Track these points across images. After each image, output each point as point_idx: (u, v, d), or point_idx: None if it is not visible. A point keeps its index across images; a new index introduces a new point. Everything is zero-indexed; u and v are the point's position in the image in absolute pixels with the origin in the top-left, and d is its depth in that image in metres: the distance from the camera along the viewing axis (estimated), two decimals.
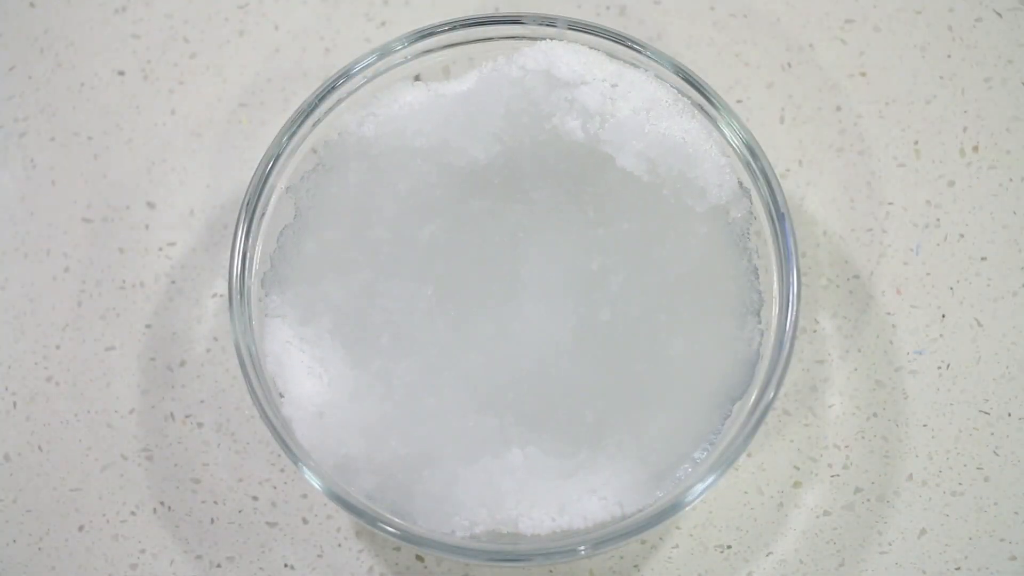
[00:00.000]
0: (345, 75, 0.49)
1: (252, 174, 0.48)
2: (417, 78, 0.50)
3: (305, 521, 0.52)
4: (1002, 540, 0.51)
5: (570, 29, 0.48)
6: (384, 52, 0.48)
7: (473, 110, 0.47)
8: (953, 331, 0.54)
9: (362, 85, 0.49)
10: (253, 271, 0.48)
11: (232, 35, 0.58)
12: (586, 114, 0.46)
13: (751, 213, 0.47)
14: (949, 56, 0.57)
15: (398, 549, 0.51)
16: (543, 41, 0.47)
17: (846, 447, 0.52)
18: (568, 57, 0.46)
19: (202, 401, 0.53)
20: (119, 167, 0.56)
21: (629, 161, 0.46)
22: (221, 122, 0.56)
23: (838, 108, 0.57)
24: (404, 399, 0.46)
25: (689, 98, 0.48)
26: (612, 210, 0.47)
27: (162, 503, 0.52)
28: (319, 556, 0.51)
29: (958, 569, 0.51)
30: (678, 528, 0.52)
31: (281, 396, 0.46)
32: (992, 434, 0.53)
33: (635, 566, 0.51)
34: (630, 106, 0.46)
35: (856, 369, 0.53)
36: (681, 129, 0.46)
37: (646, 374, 0.46)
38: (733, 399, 0.46)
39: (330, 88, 0.48)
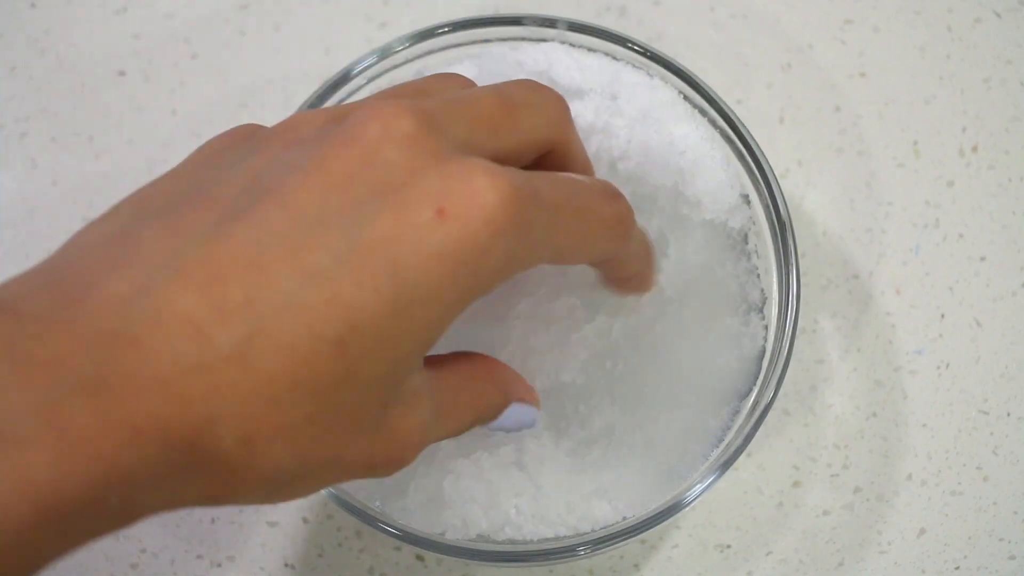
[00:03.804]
0: (345, 75, 0.49)
1: None
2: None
3: (305, 521, 0.52)
4: (1001, 539, 0.51)
5: (570, 30, 0.48)
6: (384, 53, 0.48)
7: None
8: (952, 331, 0.54)
9: (363, 86, 0.49)
10: None
11: (233, 36, 0.58)
12: (580, 133, 0.46)
13: (750, 219, 0.47)
14: (948, 56, 0.57)
15: (398, 549, 0.51)
16: (544, 43, 0.47)
17: (846, 447, 0.52)
18: (568, 62, 0.46)
19: None
20: (120, 167, 0.56)
21: (622, 179, 0.46)
22: (222, 122, 0.56)
23: (838, 108, 0.57)
24: None
25: (689, 100, 0.48)
26: None
27: None
28: (319, 556, 0.52)
29: (957, 568, 0.51)
30: (678, 528, 0.52)
31: None
32: (991, 434, 0.53)
33: (635, 566, 0.51)
34: (625, 121, 0.46)
35: (856, 369, 0.53)
36: (680, 136, 0.46)
37: (653, 377, 0.46)
38: (741, 395, 0.46)
39: (330, 88, 0.48)
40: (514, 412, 0.40)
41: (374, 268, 0.30)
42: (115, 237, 0.31)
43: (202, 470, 0.29)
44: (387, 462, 0.34)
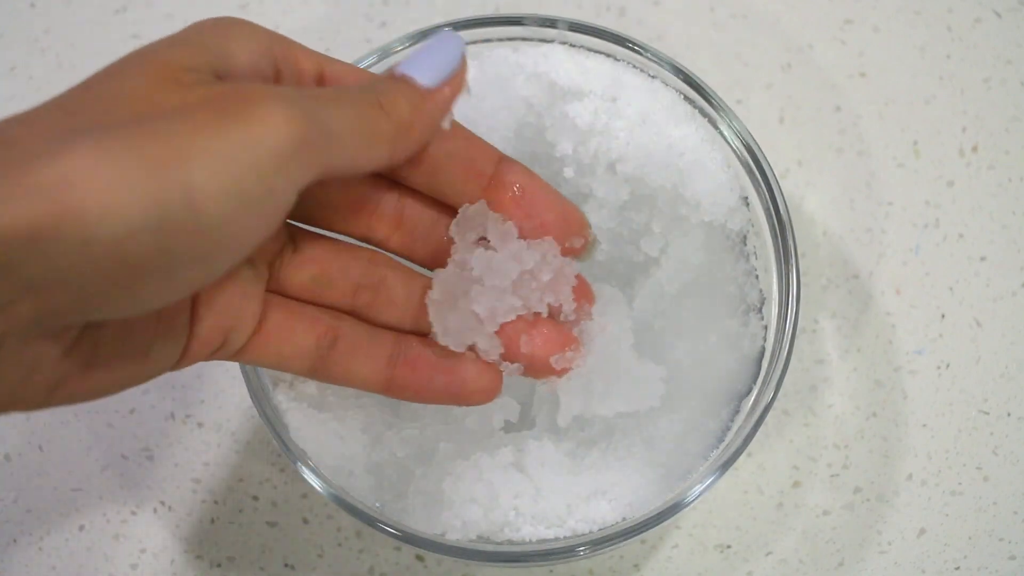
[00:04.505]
0: None
1: None
2: None
3: (305, 521, 0.52)
4: (1001, 539, 0.51)
5: (571, 30, 0.47)
6: (384, 52, 0.48)
7: (477, 125, 0.47)
8: (952, 331, 0.54)
9: None
10: None
11: None
12: (579, 135, 0.46)
13: (749, 221, 0.47)
14: (948, 56, 0.57)
15: (398, 549, 0.51)
16: (545, 44, 0.47)
17: (846, 447, 0.52)
18: (568, 64, 0.46)
19: (202, 401, 0.53)
20: None
21: (620, 181, 0.46)
22: None
23: (838, 108, 0.57)
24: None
25: (689, 100, 0.48)
26: (610, 221, 0.47)
27: (162, 503, 0.52)
28: (319, 556, 0.52)
29: (957, 569, 0.51)
30: (678, 528, 0.52)
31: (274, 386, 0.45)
32: (991, 434, 0.53)
33: (635, 566, 0.51)
34: (625, 123, 0.46)
35: (856, 369, 0.53)
36: (679, 137, 0.46)
37: None
38: (741, 396, 0.46)
39: None
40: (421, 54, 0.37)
41: None
42: None
43: None
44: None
